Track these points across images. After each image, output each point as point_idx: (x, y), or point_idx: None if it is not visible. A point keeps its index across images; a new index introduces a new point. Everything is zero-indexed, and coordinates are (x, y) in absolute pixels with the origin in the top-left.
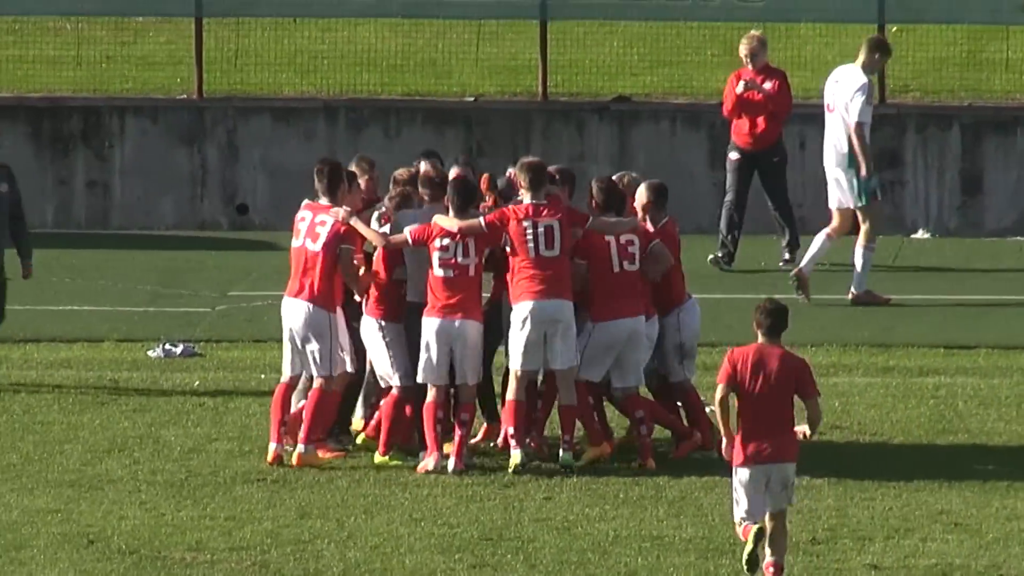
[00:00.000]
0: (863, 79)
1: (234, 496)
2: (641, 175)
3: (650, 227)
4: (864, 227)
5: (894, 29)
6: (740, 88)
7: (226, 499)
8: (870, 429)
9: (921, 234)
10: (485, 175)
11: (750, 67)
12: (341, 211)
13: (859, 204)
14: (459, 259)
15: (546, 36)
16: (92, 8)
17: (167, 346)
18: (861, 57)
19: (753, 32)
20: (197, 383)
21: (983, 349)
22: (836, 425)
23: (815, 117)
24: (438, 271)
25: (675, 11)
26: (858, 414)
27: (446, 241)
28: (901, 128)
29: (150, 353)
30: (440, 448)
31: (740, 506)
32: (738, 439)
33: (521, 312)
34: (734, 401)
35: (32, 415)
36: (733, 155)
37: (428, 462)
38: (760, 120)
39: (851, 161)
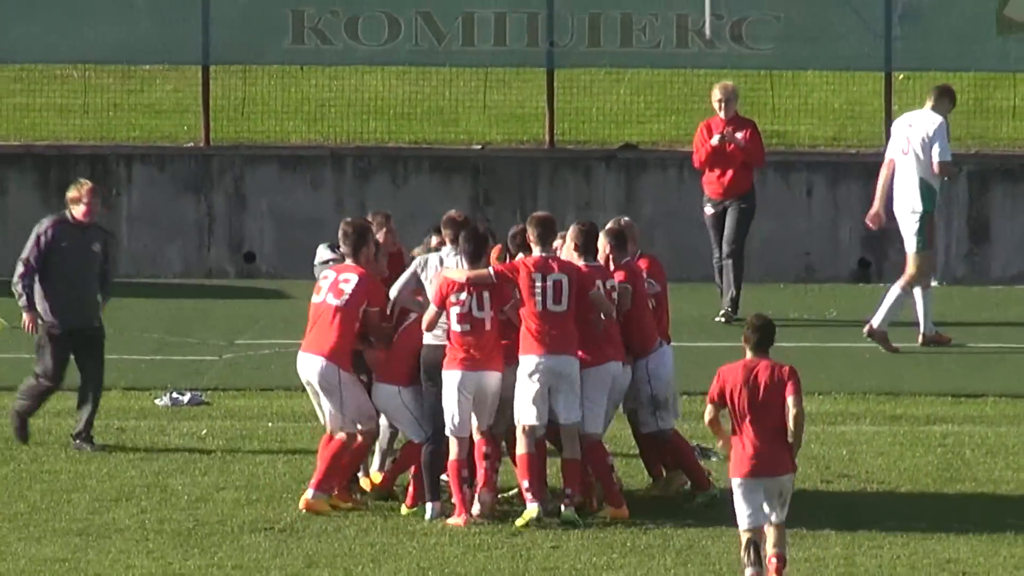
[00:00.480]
0: (940, 119)
1: (241, 545)
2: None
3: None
4: (909, 271)
5: (900, 77)
6: (715, 140)
7: (233, 548)
8: (877, 477)
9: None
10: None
11: (721, 116)
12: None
13: (913, 250)
14: (475, 313)
15: (553, 84)
16: (99, 56)
17: (174, 395)
18: (930, 103)
19: (725, 81)
20: (204, 432)
21: (990, 397)
22: (843, 474)
23: (822, 165)
24: (455, 326)
25: (682, 59)
26: (866, 462)
27: (463, 296)
28: None
29: (157, 402)
30: (467, 507)
31: (741, 514)
32: (734, 453)
33: (527, 366)
34: (726, 414)
35: (39, 464)
36: (709, 209)
37: (457, 521)
38: (732, 171)
39: (919, 204)
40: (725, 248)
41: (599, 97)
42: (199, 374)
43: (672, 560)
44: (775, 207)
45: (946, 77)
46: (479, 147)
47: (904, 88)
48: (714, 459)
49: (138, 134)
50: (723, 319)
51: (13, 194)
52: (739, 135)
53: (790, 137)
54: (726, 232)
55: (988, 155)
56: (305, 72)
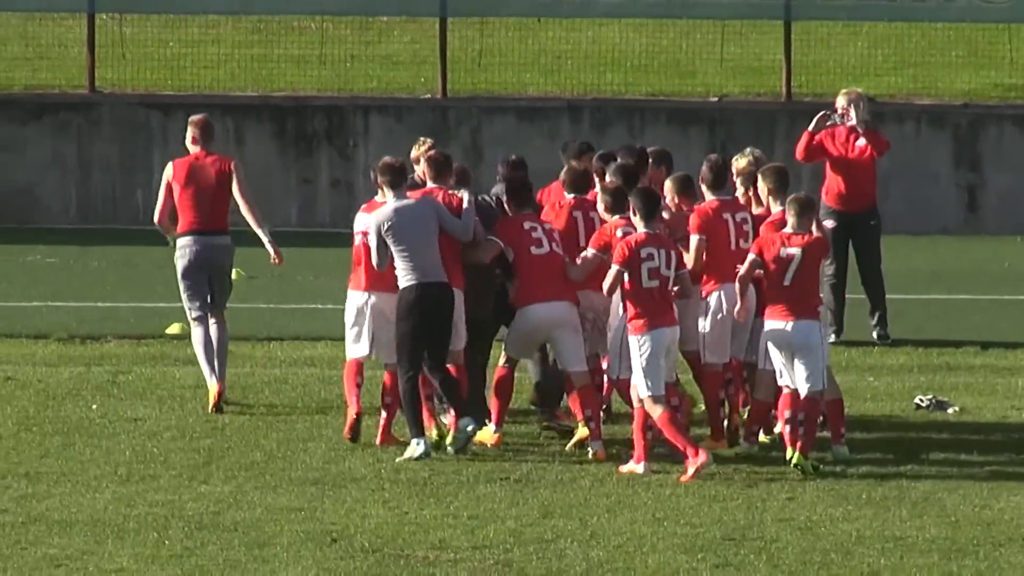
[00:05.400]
0: None
1: (477, 495)
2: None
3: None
4: None
5: None
6: (813, 125)
7: (469, 498)
8: None
9: None
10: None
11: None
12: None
13: None
14: (663, 271)
15: (790, 36)
16: (337, 7)
17: None
18: None
19: (854, 88)
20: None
21: None
22: None
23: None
24: (647, 282)
25: (920, 12)
26: None
27: (651, 251)
28: None
29: None
30: (647, 455)
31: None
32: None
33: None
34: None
35: (275, 413)
36: (828, 223)
37: (639, 467)
38: (857, 180)
39: None
40: (861, 276)
41: (836, 50)
42: None
43: (908, 512)
44: (1013, 160)
45: None
46: (716, 99)
47: None
48: (950, 410)
49: (375, 85)
50: (877, 339)
51: (250, 145)
52: (861, 142)
53: None
54: (861, 262)
55: None
56: (542, 24)
